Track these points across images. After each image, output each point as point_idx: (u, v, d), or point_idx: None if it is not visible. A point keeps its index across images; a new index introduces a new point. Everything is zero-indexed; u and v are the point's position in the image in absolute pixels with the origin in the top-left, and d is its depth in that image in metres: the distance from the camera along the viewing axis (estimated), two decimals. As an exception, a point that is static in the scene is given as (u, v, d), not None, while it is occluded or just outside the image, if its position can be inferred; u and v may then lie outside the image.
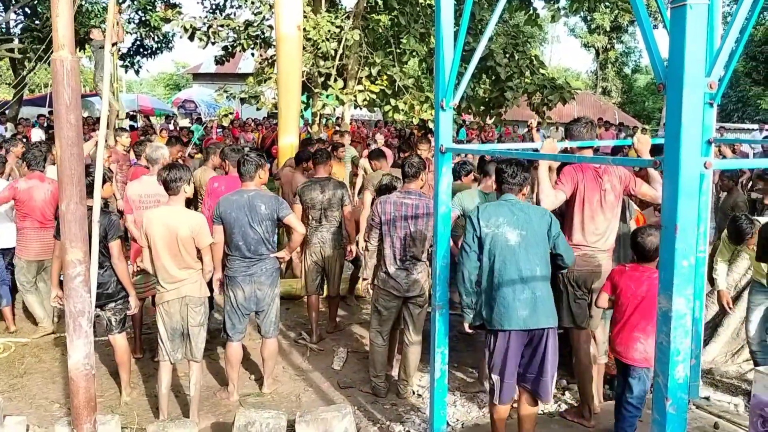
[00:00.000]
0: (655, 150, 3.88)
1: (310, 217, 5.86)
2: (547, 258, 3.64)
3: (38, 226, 5.68)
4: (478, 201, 4.70)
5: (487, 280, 3.62)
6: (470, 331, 3.84)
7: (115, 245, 4.39)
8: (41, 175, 5.81)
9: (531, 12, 12.50)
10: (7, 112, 16.58)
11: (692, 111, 2.06)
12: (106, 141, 4.61)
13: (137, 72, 19.85)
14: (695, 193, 2.12)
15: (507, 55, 11.26)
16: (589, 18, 37.93)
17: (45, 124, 15.28)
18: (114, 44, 8.95)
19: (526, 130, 20.97)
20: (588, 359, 4.29)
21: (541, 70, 12.04)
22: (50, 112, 15.82)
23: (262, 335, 4.79)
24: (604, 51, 40.82)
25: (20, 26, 16.64)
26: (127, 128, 13.09)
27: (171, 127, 19.13)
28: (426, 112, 10.86)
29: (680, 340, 2.16)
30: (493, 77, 11.48)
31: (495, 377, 3.65)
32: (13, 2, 15.51)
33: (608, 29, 38.69)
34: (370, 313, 4.95)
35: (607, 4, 12.68)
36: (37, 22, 15.20)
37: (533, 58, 12.15)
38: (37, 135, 13.78)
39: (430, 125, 12.44)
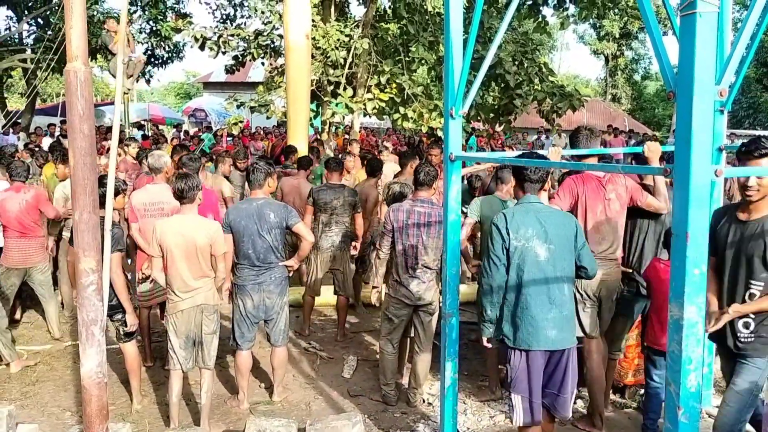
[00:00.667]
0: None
1: (320, 221, 6.05)
2: (573, 273, 3.52)
3: (17, 236, 5.73)
4: (496, 208, 4.66)
5: (512, 297, 3.46)
6: (488, 345, 3.74)
7: (114, 257, 4.28)
8: (19, 186, 5.81)
9: (540, 20, 12.51)
10: (20, 121, 16.74)
11: (702, 118, 2.06)
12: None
13: (148, 81, 19.97)
14: (706, 201, 2.11)
15: (516, 63, 11.26)
16: (598, 25, 37.87)
17: (56, 133, 15.39)
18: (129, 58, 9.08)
19: (535, 137, 20.96)
20: (599, 369, 4.27)
21: (551, 78, 12.02)
22: (62, 121, 15.95)
23: (272, 344, 4.80)
24: (613, 58, 40.74)
25: (33, 36, 16.83)
26: (138, 138, 13.21)
27: (182, 135, 19.28)
28: (435, 120, 10.88)
29: (692, 348, 2.15)
30: (502, 85, 11.48)
31: (517, 397, 3.48)
32: (26, 13, 15.69)
33: (618, 36, 38.60)
34: (380, 321, 4.94)
35: (616, 11, 12.67)
36: (49, 32, 15.37)
37: (542, 65, 12.14)
38: (48, 144, 13.89)
39: (439, 133, 12.45)
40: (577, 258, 3.52)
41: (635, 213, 4.33)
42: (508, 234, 3.41)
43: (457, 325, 3.74)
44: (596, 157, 4.42)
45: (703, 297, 2.16)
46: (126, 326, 4.57)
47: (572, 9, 13.09)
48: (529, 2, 11.74)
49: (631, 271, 4.41)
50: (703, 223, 2.12)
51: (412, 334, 4.82)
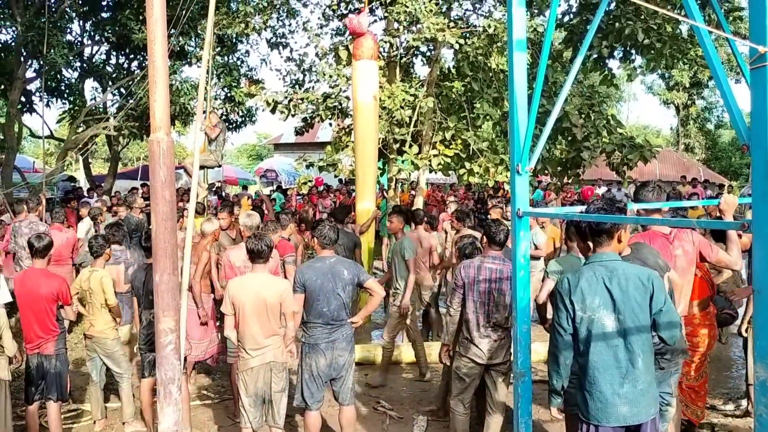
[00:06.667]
0: None
1: None
2: (648, 342, 3.18)
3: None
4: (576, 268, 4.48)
5: (581, 369, 3.24)
6: (558, 416, 3.52)
7: None
8: (60, 226, 7.99)
9: (606, 72, 12.43)
10: (103, 184, 17.72)
11: (780, 171, 2.00)
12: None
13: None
14: (789, 256, 2.03)
15: (582, 116, 11.16)
16: (667, 75, 37.17)
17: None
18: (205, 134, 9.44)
19: (605, 189, 20.52)
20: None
21: (619, 130, 11.84)
22: (142, 185, 16.78)
23: (340, 402, 4.77)
24: (684, 107, 39.77)
25: (116, 105, 17.93)
26: (213, 199, 13.67)
27: (252, 193, 19.90)
28: (501, 174, 10.86)
29: (783, 412, 2.03)
30: (569, 138, 11.38)
31: None
32: (110, 84, 16.76)
33: (688, 85, 37.75)
34: (451, 380, 4.86)
35: (685, 61, 12.43)
36: (131, 101, 16.38)
37: (610, 117, 11.99)
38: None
39: (506, 186, 12.39)
40: (653, 326, 3.17)
41: None
42: (573, 304, 3.20)
43: (529, 385, 3.64)
44: (660, 212, 4.26)
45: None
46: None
47: (639, 61, 12.95)
48: (594, 56, 11.69)
49: None
50: (788, 279, 2.03)
51: (484, 394, 4.71)
